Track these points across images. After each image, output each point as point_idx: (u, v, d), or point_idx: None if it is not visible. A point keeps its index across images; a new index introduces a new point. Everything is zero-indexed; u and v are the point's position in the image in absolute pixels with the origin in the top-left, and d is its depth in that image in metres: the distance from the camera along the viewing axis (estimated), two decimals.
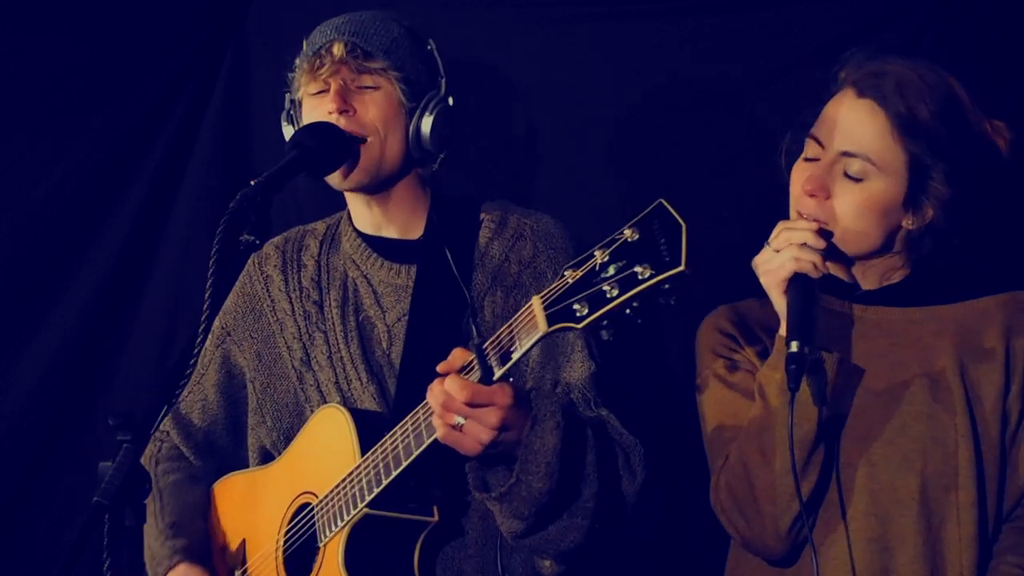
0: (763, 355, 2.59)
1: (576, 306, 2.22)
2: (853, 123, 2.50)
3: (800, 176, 2.54)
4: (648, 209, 2.20)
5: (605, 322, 2.21)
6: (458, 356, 2.43)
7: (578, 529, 2.54)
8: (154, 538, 2.82)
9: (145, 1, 3.56)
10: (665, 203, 2.19)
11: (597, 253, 2.22)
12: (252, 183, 2.41)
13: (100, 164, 3.55)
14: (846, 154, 2.49)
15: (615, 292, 2.17)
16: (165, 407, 2.17)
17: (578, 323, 2.22)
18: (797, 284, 2.41)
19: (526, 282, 2.75)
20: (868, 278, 2.59)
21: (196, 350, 2.21)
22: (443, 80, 2.79)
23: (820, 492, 2.48)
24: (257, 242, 2.35)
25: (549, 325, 2.26)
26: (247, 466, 2.93)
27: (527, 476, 2.47)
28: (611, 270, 2.19)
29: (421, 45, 2.79)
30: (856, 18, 3.25)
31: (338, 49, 2.69)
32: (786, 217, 2.55)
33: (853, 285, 2.59)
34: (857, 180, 2.49)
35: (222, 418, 2.95)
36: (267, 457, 2.89)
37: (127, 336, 3.59)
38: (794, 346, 2.35)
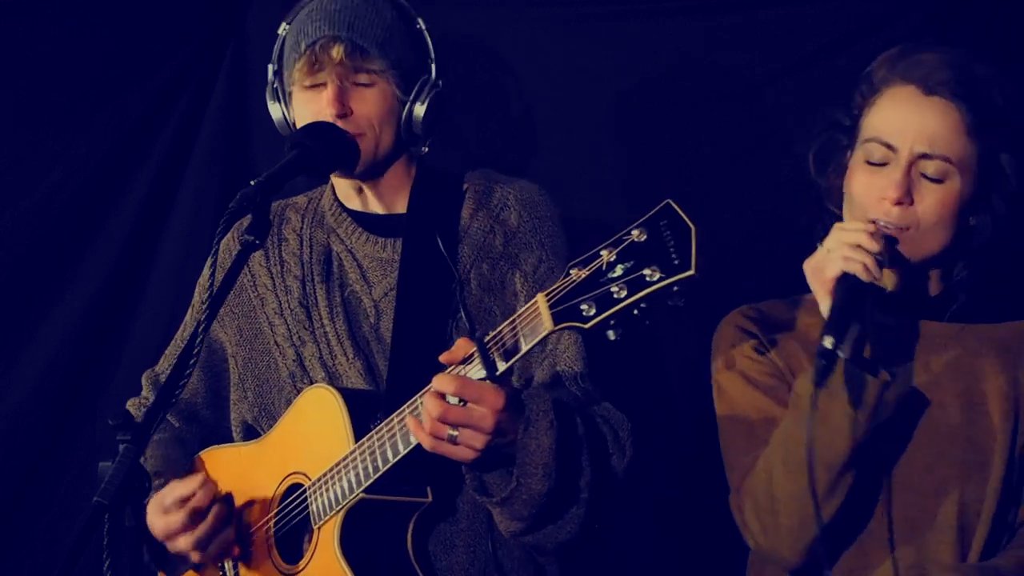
0: (789, 359, 2.54)
1: (583, 306, 2.20)
2: (926, 123, 2.43)
3: (870, 180, 2.46)
4: (655, 210, 2.18)
5: (612, 322, 2.19)
6: (461, 347, 2.42)
7: (575, 519, 2.54)
8: None
9: (145, 1, 3.56)
10: (673, 204, 2.17)
11: (604, 253, 2.20)
12: (252, 183, 2.41)
13: (100, 164, 3.55)
14: (924, 156, 2.42)
15: (623, 293, 2.16)
16: (162, 413, 2.18)
17: (585, 323, 2.20)
18: (845, 284, 2.34)
19: (512, 252, 2.75)
20: (928, 289, 2.53)
21: (196, 350, 2.21)
22: (433, 63, 2.78)
23: (854, 515, 2.43)
24: (257, 242, 2.35)
25: (555, 324, 2.25)
26: (230, 439, 2.92)
27: (526, 479, 2.46)
28: (618, 270, 2.17)
29: (411, 26, 2.77)
30: (856, 18, 3.25)
31: (337, 52, 2.67)
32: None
33: (912, 300, 2.53)
34: (938, 181, 2.42)
35: (203, 392, 2.96)
36: (250, 432, 2.89)
37: (127, 336, 3.59)
38: (827, 341, 2.27)
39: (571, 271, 2.24)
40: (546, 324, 2.26)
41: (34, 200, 3.53)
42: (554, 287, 2.26)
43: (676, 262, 2.12)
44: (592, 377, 2.70)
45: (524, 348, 2.31)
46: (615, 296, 2.17)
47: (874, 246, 2.35)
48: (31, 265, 3.54)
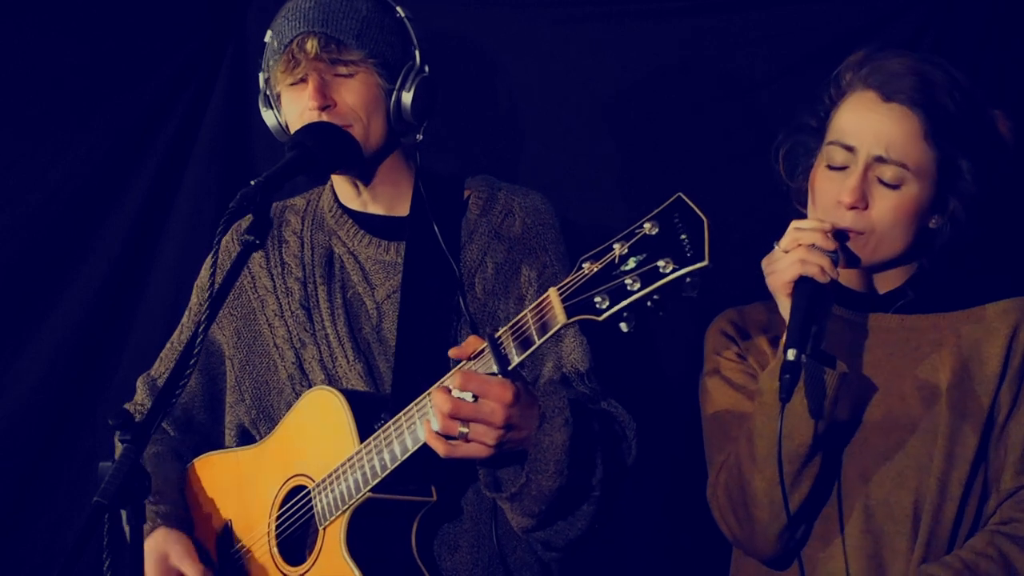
0: (761, 358, 2.58)
1: (597, 298, 2.22)
2: (885, 129, 2.44)
3: (829, 185, 2.48)
4: (666, 203, 2.21)
5: (626, 314, 2.21)
6: (471, 343, 2.44)
7: (586, 516, 2.56)
8: None
9: (145, 1, 3.56)
10: (684, 197, 2.20)
11: (616, 246, 2.22)
12: (252, 183, 2.41)
13: (100, 164, 3.55)
14: (880, 160, 2.44)
15: (637, 285, 2.18)
16: (162, 414, 2.18)
17: (599, 315, 2.23)
18: (803, 288, 2.36)
19: (516, 258, 2.76)
20: (881, 285, 2.57)
21: (197, 350, 2.21)
22: (417, 50, 2.76)
23: (817, 505, 2.47)
24: (257, 242, 2.35)
25: (569, 316, 2.27)
26: (223, 445, 2.92)
27: (537, 475, 2.48)
28: (631, 263, 2.19)
29: (390, 16, 2.75)
30: (856, 18, 3.25)
31: (311, 46, 2.66)
32: (789, 218, 2.53)
33: (864, 294, 2.57)
34: (894, 187, 2.44)
35: (200, 394, 2.95)
36: (245, 435, 2.88)
37: (127, 336, 3.59)
38: (791, 354, 2.30)
39: (583, 265, 2.26)
40: (559, 317, 2.28)
41: (34, 200, 3.53)
42: (566, 281, 2.28)
43: (689, 254, 2.15)
44: (598, 376, 2.71)
45: (537, 342, 2.33)
46: (629, 288, 2.19)
47: (830, 245, 2.38)
48: (31, 265, 3.54)
